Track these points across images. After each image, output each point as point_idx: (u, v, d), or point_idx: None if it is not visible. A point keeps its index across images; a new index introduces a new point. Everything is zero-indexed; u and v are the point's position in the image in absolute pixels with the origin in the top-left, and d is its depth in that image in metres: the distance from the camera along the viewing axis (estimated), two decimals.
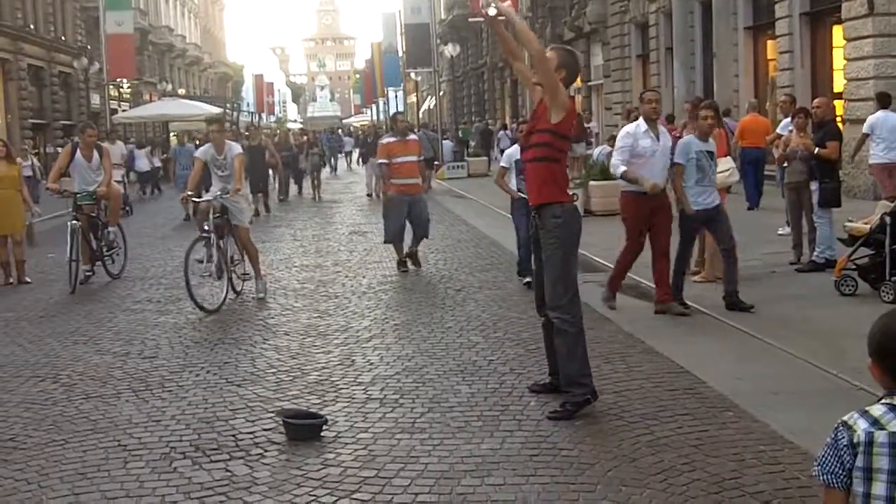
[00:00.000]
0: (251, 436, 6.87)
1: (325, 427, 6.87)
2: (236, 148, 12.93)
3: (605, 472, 5.87)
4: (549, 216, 7.16)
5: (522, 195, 11.01)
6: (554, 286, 7.20)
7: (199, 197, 13.07)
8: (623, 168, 10.34)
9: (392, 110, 76.27)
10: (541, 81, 7.27)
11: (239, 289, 12.79)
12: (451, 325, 10.41)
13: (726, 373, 8.01)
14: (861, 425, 2.86)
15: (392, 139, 15.02)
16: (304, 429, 6.81)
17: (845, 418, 2.90)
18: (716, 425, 6.66)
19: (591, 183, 20.36)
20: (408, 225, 14.80)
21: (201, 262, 11.97)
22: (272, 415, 7.27)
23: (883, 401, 2.90)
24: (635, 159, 10.31)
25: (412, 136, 15.72)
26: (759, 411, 6.88)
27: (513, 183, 12.32)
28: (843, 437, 2.86)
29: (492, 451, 6.33)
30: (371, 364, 8.84)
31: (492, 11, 7.44)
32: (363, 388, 8.04)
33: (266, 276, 13.36)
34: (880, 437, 2.83)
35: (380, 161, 15.01)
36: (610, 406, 7.16)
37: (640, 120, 10.62)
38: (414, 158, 14.83)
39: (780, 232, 15.41)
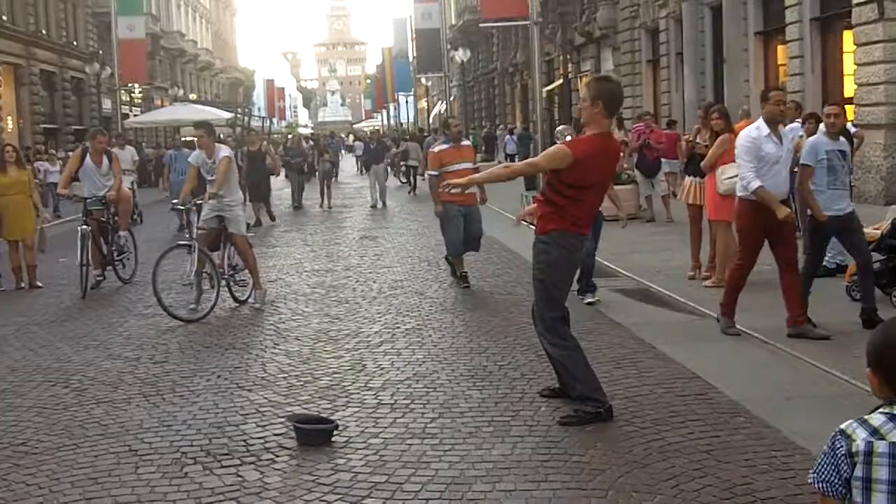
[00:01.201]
0: (262, 441, 6.87)
1: (335, 432, 6.87)
2: (224, 151, 12.75)
3: (617, 478, 5.86)
4: (539, 241, 7.23)
5: None
6: (538, 310, 7.34)
7: (193, 205, 12.70)
8: (757, 183, 9.09)
9: (403, 115, 76.71)
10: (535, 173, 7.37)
11: (243, 297, 12.69)
12: (462, 330, 10.41)
13: (737, 378, 7.99)
14: (860, 435, 2.83)
15: (444, 146, 13.61)
16: (314, 434, 6.81)
17: (843, 427, 2.88)
18: (727, 431, 6.65)
19: None
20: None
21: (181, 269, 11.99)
22: (283, 420, 7.26)
23: (881, 410, 2.88)
24: (759, 167, 9.19)
25: (466, 142, 14.26)
26: (770, 417, 6.87)
27: None
28: (842, 447, 2.84)
29: (503, 457, 6.32)
30: (382, 369, 8.85)
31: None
32: (374, 393, 8.04)
33: (277, 280, 13.39)
34: (880, 447, 2.81)
35: (430, 173, 13.85)
36: (621, 411, 7.15)
37: (760, 122, 9.47)
38: (469, 165, 13.38)
39: None
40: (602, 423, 6.89)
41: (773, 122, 9.39)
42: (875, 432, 2.83)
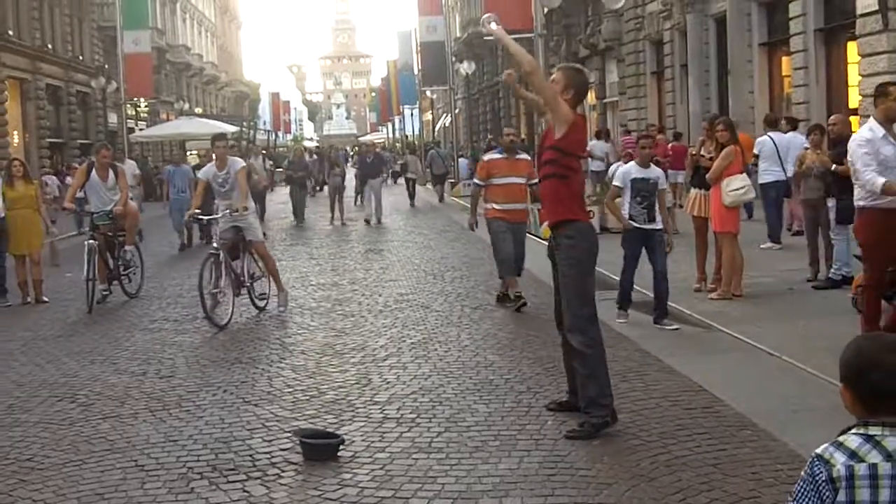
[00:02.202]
0: (268, 456, 6.87)
1: (341, 447, 6.87)
2: (238, 163, 13.16)
3: (624, 492, 5.85)
4: (563, 236, 7.16)
5: (635, 224, 10.74)
6: (569, 307, 7.19)
7: (207, 214, 13.09)
8: (881, 180, 8.28)
9: (408, 128, 76.67)
10: (538, 96, 7.32)
11: (262, 305, 13.00)
12: (468, 344, 10.41)
13: (744, 391, 7.98)
14: (839, 459, 2.81)
15: (497, 156, 12.87)
16: (320, 449, 6.81)
17: (820, 452, 2.85)
18: (734, 444, 6.64)
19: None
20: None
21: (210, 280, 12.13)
22: (289, 434, 7.27)
23: (855, 431, 2.86)
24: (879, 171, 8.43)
25: (522, 155, 13.07)
26: (777, 429, 6.86)
27: (625, 208, 10.85)
28: (822, 473, 2.81)
29: (509, 471, 6.32)
30: (388, 383, 8.84)
31: (493, 26, 7.49)
32: (380, 407, 8.04)
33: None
34: (860, 469, 2.79)
35: (475, 181, 13.19)
36: (627, 425, 7.14)
37: (873, 123, 8.73)
38: (521, 180, 12.58)
39: (762, 246, 15.52)
40: (609, 436, 6.88)
41: (890, 121, 8.63)
42: (853, 455, 2.81)
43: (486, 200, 12.82)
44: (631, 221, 10.77)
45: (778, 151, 16.26)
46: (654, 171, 11.01)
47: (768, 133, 16.75)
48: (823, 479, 2.81)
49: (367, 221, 27.44)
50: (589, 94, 44.43)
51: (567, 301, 7.21)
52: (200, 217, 13.08)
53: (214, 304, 12.17)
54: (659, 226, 10.82)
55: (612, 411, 7.06)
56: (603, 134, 31.58)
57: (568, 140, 7.11)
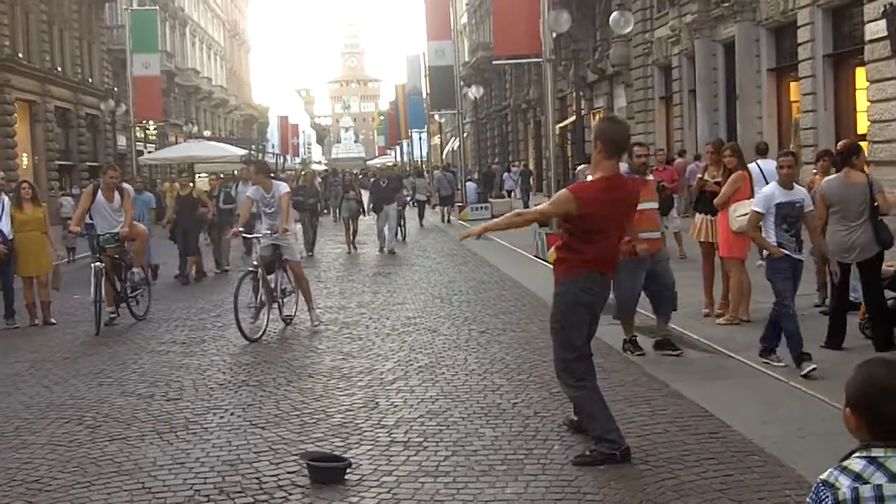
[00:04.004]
0: (275, 479, 6.87)
1: (348, 470, 6.87)
2: (284, 187, 14.02)
3: None
4: (556, 282, 7.30)
5: (786, 252, 9.61)
6: (554, 350, 7.38)
7: (249, 233, 14.14)
8: None
9: (416, 152, 76.76)
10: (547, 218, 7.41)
11: (289, 320, 13.70)
12: (475, 368, 10.40)
13: (751, 416, 7.97)
14: (844, 482, 2.82)
15: None
16: (327, 472, 6.80)
17: (824, 477, 2.87)
18: (741, 469, 6.62)
19: None
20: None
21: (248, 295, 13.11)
22: (296, 457, 7.27)
23: (858, 455, 2.88)
24: None
25: (651, 177, 11.46)
26: (784, 455, 6.84)
27: (771, 236, 9.76)
28: (827, 498, 2.83)
29: (516, 496, 6.31)
30: (395, 407, 8.84)
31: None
32: (387, 430, 8.03)
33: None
34: (865, 491, 2.80)
35: None
36: (634, 450, 7.12)
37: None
38: (654, 205, 11.01)
39: (757, 264, 15.54)
40: (618, 464, 6.86)
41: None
42: (858, 477, 2.82)
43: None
44: (782, 248, 9.63)
45: (766, 180, 16.23)
46: (799, 193, 9.91)
47: (757, 161, 16.72)
48: (829, 503, 2.82)
49: (381, 251, 25.86)
50: (597, 118, 44.71)
51: (553, 344, 7.38)
52: (245, 235, 13.99)
53: (252, 316, 13.10)
54: (804, 256, 10.01)
55: (624, 450, 6.94)
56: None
57: (576, 219, 7.05)
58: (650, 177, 11.18)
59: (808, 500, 2.89)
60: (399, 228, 28.66)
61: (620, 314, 10.77)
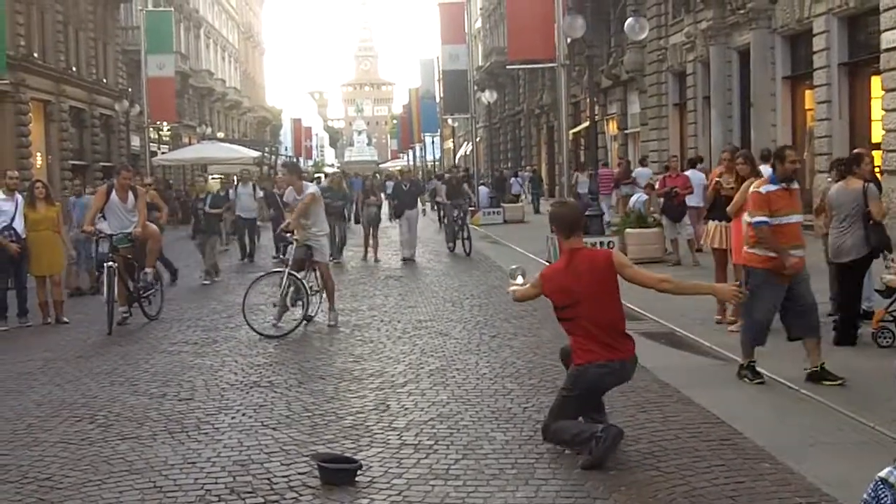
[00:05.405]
0: (286, 479, 6.88)
1: (359, 472, 6.87)
2: (311, 187, 14.86)
3: None
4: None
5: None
6: (549, 411, 7.55)
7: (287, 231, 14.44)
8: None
9: (429, 155, 76.74)
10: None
11: (309, 319, 14.03)
12: (486, 372, 10.40)
13: (762, 423, 7.95)
14: None
15: (773, 187, 9.45)
16: (338, 473, 6.81)
17: (883, 475, 2.85)
18: (752, 477, 6.61)
19: (628, 230, 20.34)
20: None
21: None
22: (307, 459, 7.28)
23: None
24: None
25: (796, 185, 9.75)
26: (795, 463, 6.82)
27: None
28: (886, 497, 2.82)
29: (526, 500, 6.31)
30: (406, 409, 8.85)
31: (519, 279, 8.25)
32: (398, 433, 8.04)
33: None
34: None
35: (758, 219, 9.37)
36: (645, 456, 7.13)
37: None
38: (800, 218, 9.62)
39: None
40: (627, 467, 6.86)
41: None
42: None
43: (751, 245, 9.62)
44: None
45: None
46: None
47: (761, 167, 16.60)
48: (888, 502, 2.81)
49: (405, 260, 24.18)
50: (611, 124, 44.66)
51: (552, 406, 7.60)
52: (289, 234, 14.27)
53: (283, 311, 13.85)
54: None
55: (605, 427, 7.04)
56: (647, 161, 31.56)
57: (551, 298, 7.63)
58: (795, 185, 9.68)
59: (864, 497, 2.88)
60: (465, 241, 25.41)
61: (755, 342, 9.50)
